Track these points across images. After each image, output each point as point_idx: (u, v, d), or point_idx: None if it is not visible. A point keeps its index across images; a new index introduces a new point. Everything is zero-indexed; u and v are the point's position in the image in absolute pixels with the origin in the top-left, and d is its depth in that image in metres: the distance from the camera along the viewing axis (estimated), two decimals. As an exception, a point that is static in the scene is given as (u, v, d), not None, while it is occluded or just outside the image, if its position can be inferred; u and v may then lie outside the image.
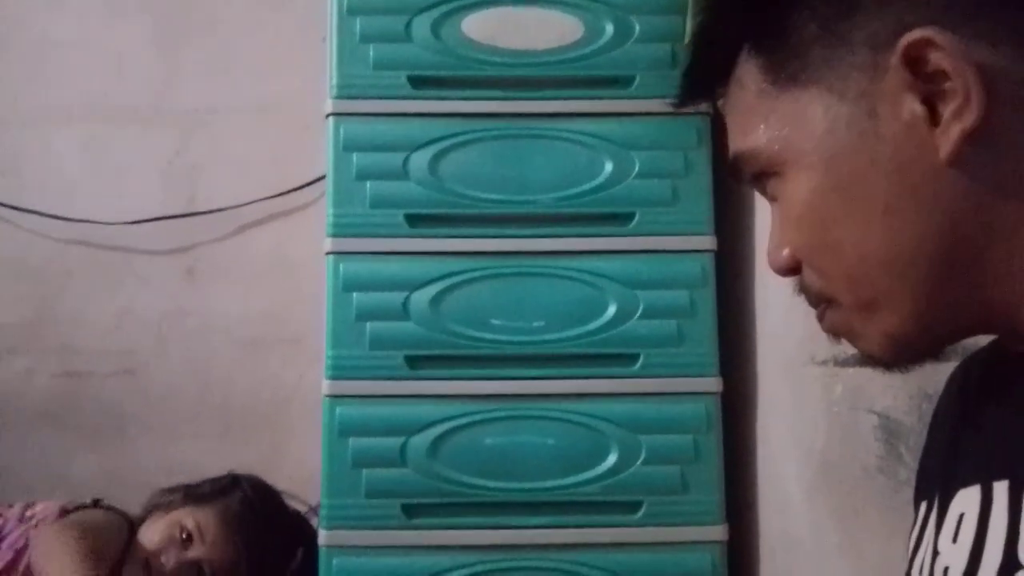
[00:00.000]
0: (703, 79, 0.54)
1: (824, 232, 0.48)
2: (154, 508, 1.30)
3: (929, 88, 0.44)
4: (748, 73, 0.51)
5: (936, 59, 0.43)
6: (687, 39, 0.59)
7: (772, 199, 0.52)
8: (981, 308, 0.47)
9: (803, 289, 0.53)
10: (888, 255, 0.46)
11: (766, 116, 0.49)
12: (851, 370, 1.07)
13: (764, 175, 0.51)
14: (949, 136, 0.43)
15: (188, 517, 1.26)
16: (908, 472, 0.95)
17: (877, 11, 0.45)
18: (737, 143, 0.52)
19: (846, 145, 0.46)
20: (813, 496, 1.17)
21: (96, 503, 1.35)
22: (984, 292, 0.46)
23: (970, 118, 0.43)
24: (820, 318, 0.53)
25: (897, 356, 0.50)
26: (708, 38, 0.53)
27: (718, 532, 1.33)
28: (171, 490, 1.32)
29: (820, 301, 0.52)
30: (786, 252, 0.51)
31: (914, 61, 0.44)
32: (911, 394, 0.95)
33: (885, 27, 0.45)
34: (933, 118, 0.44)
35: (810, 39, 0.47)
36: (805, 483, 1.19)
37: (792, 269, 0.52)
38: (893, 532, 0.97)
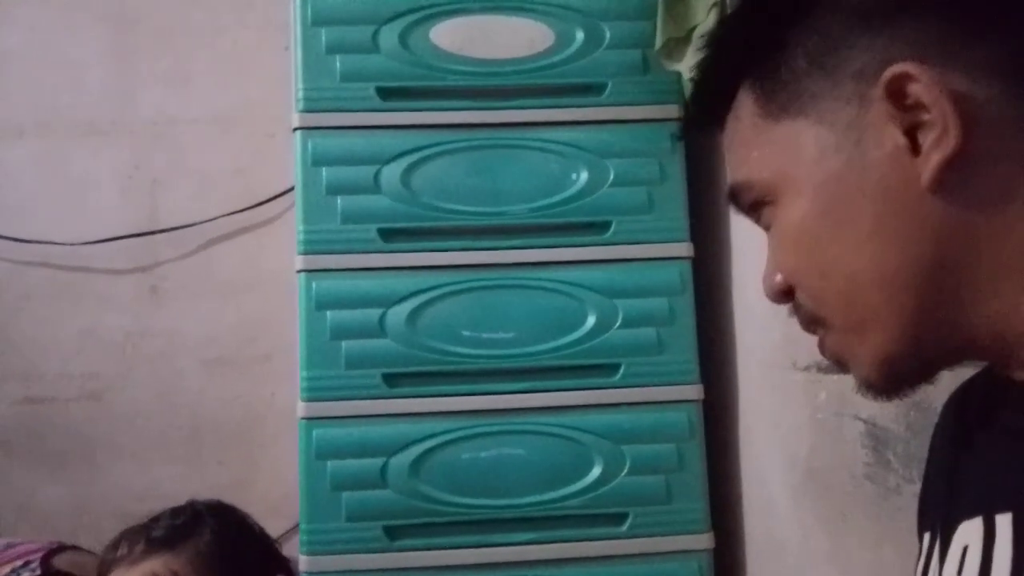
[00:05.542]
0: (706, 111, 0.57)
1: (814, 255, 0.50)
2: (113, 562, 1.13)
3: (910, 119, 0.46)
4: (744, 106, 0.53)
5: (915, 92, 0.45)
6: (691, 74, 0.62)
7: (766, 227, 0.54)
8: (970, 329, 0.48)
9: (796, 311, 0.54)
10: (876, 275, 0.48)
11: (760, 146, 0.52)
12: (835, 376, 1.07)
13: (760, 204, 0.53)
14: (929, 164, 0.46)
15: (163, 568, 1.10)
16: (897, 479, 0.95)
17: (863, 47, 0.48)
18: (734, 174, 0.55)
19: (834, 172, 0.48)
20: (799, 503, 1.17)
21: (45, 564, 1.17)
22: (972, 312, 0.47)
23: (948, 147, 0.45)
24: (820, 346, 0.54)
25: (889, 380, 0.51)
26: (710, 73, 0.56)
27: (704, 540, 1.32)
28: (129, 535, 1.16)
29: (812, 323, 0.53)
30: (779, 278, 0.53)
31: (896, 94, 0.46)
32: (897, 402, 0.95)
33: (871, 62, 0.47)
34: (915, 148, 0.46)
35: (801, 73, 0.50)
36: (791, 489, 1.19)
37: (785, 294, 0.54)
38: (882, 538, 0.97)
